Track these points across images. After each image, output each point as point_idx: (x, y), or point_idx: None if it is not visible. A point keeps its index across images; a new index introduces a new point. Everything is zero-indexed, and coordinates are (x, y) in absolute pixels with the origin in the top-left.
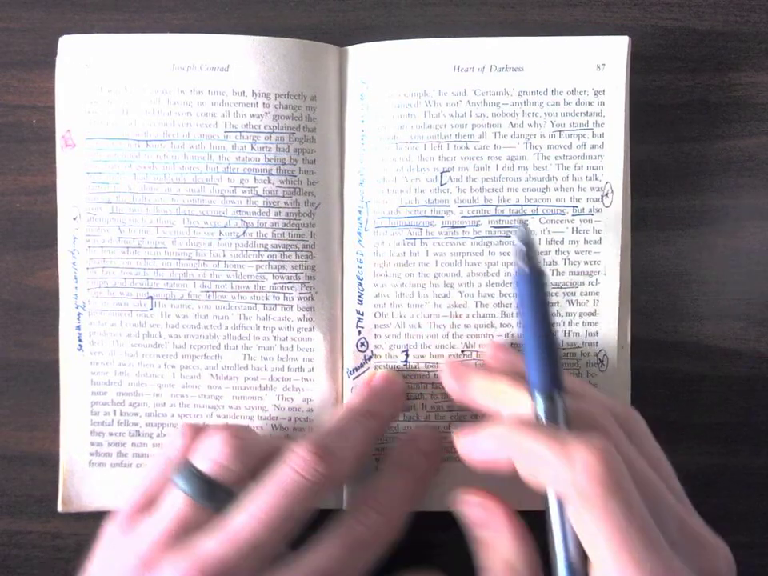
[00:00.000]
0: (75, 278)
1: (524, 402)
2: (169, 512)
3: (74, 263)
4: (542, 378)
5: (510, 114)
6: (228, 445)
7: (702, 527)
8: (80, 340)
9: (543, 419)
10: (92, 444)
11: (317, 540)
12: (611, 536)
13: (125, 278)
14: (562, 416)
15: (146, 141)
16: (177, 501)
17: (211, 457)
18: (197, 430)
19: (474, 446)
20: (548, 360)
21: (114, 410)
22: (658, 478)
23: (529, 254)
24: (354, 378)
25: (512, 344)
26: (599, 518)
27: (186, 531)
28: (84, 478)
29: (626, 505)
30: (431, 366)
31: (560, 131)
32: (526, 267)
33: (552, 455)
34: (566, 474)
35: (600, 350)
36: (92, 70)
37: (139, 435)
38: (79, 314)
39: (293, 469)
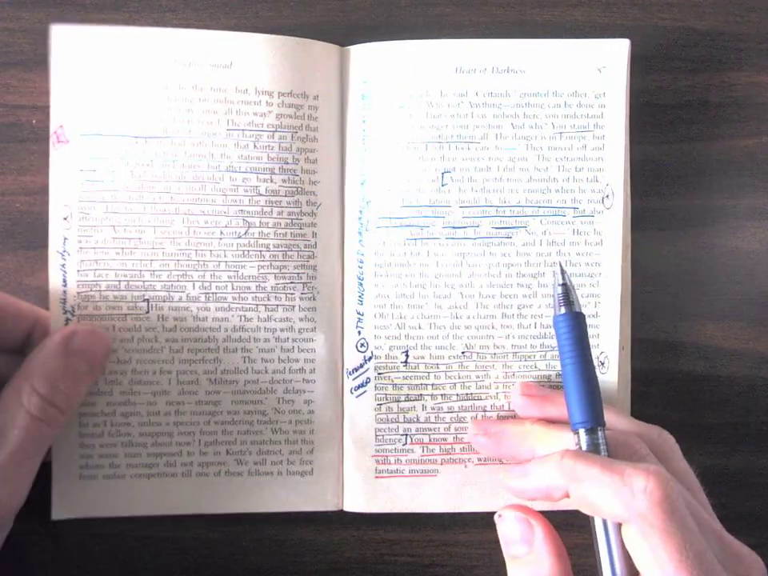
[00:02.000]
0: (64, 282)
1: (561, 441)
2: None
3: (63, 265)
4: (585, 415)
5: (511, 116)
6: None
7: (735, 541)
8: None
9: None
10: (81, 457)
11: None
12: (671, 556)
13: (119, 281)
14: (604, 450)
15: (145, 138)
16: None
17: None
18: None
19: (528, 480)
20: (590, 398)
21: (105, 421)
22: (693, 499)
23: (567, 296)
24: (354, 379)
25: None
26: (661, 540)
27: None
28: (76, 490)
29: (684, 527)
30: (431, 367)
31: (561, 133)
32: (566, 310)
33: (611, 482)
34: (627, 500)
35: (601, 352)
36: (87, 63)
37: (132, 446)
38: (67, 319)
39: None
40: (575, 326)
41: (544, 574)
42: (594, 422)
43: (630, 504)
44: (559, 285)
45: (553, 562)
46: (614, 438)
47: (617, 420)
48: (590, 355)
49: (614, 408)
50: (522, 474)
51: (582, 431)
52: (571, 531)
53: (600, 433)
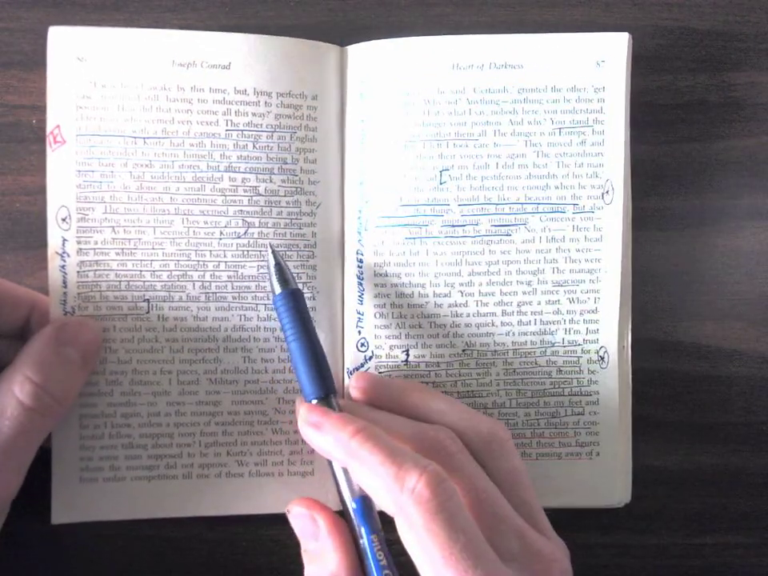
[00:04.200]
0: (64, 283)
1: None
2: None
3: (62, 266)
4: (314, 386)
5: (510, 112)
6: None
7: (539, 540)
8: None
9: None
10: (81, 459)
11: None
12: (437, 551)
13: (119, 281)
14: None
15: (143, 138)
16: None
17: None
18: None
19: (317, 435)
20: (316, 369)
21: (105, 423)
22: (501, 497)
23: (282, 275)
24: None
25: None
26: (426, 536)
27: None
28: (76, 493)
29: (450, 526)
30: (432, 366)
31: (560, 128)
32: (281, 288)
33: (386, 475)
34: (396, 496)
35: (601, 347)
36: (85, 64)
37: (133, 447)
38: None
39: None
40: (293, 303)
41: (331, 569)
42: (324, 390)
43: (397, 500)
44: (273, 266)
45: (338, 557)
46: (423, 431)
47: (447, 409)
48: (313, 329)
49: (446, 397)
50: (317, 424)
51: (314, 402)
52: (571, 531)
53: (333, 400)
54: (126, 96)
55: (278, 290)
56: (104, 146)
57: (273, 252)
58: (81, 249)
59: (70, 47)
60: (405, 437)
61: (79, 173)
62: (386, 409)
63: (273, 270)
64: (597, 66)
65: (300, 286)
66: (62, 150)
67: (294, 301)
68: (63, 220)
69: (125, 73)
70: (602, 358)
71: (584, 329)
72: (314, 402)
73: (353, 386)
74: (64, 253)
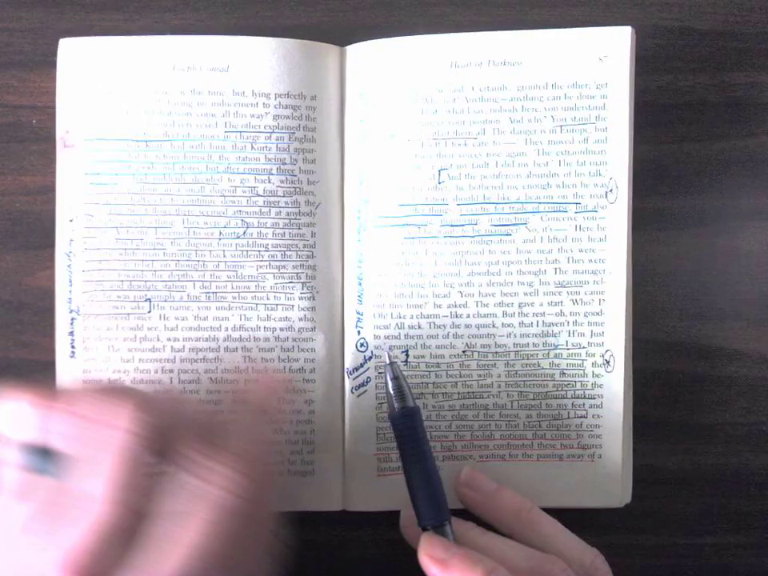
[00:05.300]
0: (70, 281)
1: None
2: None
3: (69, 266)
4: (430, 515)
5: (509, 110)
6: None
7: None
8: (72, 346)
9: None
10: None
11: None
12: None
13: (122, 281)
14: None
15: (146, 141)
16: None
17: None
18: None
19: (444, 571)
20: (432, 497)
21: None
22: None
23: (401, 392)
24: (354, 378)
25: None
26: None
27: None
28: None
29: None
30: (432, 367)
31: (561, 126)
32: (400, 406)
33: None
34: None
35: (606, 351)
36: (93, 72)
37: None
38: (72, 318)
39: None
40: (411, 423)
41: None
42: (441, 519)
43: None
44: (391, 381)
45: None
46: (540, 566)
47: (555, 535)
48: (430, 451)
49: (552, 520)
50: (442, 561)
51: (431, 530)
52: (571, 531)
53: (448, 528)
54: (129, 101)
55: (396, 407)
56: (109, 150)
57: (392, 365)
58: (86, 248)
59: (79, 57)
60: (523, 570)
61: (86, 175)
62: (496, 525)
63: (391, 385)
64: (599, 61)
65: (299, 285)
66: (71, 154)
67: (412, 420)
68: (71, 221)
69: (129, 78)
70: (608, 362)
71: (588, 331)
72: (431, 530)
73: (463, 491)
74: (70, 252)
